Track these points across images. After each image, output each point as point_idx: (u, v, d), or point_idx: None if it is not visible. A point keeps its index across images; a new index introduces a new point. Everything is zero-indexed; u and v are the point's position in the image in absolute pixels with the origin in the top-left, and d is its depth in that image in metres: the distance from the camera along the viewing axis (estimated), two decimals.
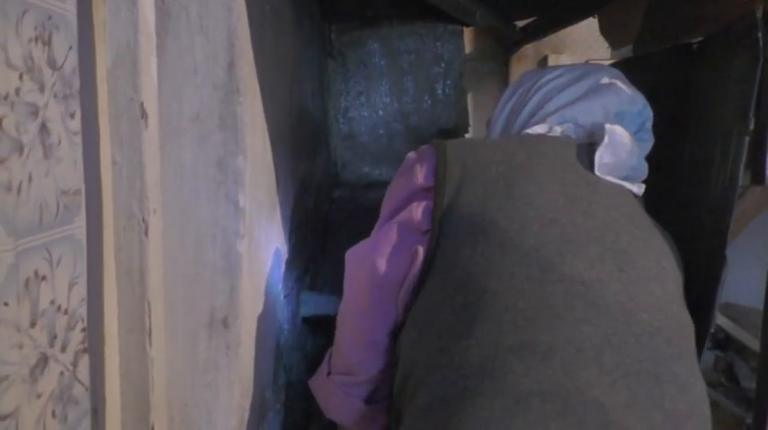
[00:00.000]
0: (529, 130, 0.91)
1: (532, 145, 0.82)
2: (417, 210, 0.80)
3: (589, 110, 0.91)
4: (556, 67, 1.03)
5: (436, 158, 0.81)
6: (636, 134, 0.89)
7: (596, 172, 0.81)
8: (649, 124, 0.94)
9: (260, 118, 0.90)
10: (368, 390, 0.89)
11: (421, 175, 0.82)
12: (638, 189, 0.85)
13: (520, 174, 0.77)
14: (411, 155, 0.87)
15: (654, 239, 0.78)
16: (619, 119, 0.91)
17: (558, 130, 0.89)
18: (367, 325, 0.86)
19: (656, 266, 0.75)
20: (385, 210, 0.88)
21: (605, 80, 0.95)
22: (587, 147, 0.85)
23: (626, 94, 0.93)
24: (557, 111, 0.92)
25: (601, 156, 0.82)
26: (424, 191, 0.81)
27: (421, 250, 0.79)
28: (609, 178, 0.81)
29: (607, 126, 0.84)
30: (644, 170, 0.88)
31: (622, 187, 0.82)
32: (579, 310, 0.68)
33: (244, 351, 0.85)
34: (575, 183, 0.78)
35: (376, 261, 0.83)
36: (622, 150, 0.84)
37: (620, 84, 0.95)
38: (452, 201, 0.77)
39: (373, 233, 0.87)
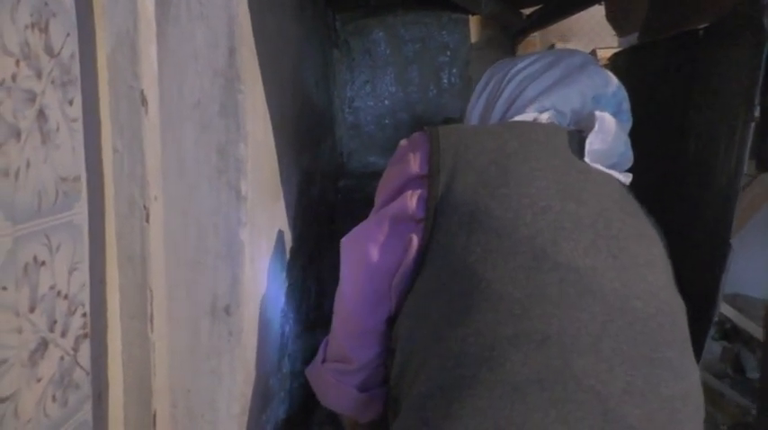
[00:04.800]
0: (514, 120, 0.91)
1: (524, 132, 0.81)
2: (412, 200, 0.80)
3: (566, 96, 0.90)
4: (527, 55, 1.02)
5: (429, 146, 0.80)
6: (615, 116, 0.88)
7: (586, 159, 0.80)
8: (626, 105, 0.94)
9: (262, 105, 0.90)
10: (361, 378, 0.89)
11: (414, 164, 0.81)
12: (625, 178, 0.83)
13: (513, 162, 0.76)
14: (403, 142, 0.87)
15: (644, 226, 0.78)
16: (595, 102, 0.91)
17: (544, 118, 0.89)
18: (360, 312, 0.86)
19: (648, 253, 0.74)
20: (379, 197, 0.88)
21: (578, 64, 0.95)
22: (576, 134, 0.84)
23: (600, 77, 0.93)
24: (534, 99, 0.91)
25: (591, 142, 0.81)
26: (418, 179, 0.81)
27: (415, 239, 0.78)
28: (597, 166, 0.81)
29: (597, 113, 0.84)
30: (630, 157, 0.87)
31: (610, 176, 0.81)
32: (575, 298, 0.68)
33: (247, 338, 0.85)
34: (566, 170, 0.77)
35: (368, 249, 0.83)
36: (611, 136, 0.83)
37: (592, 66, 0.95)
38: (446, 189, 0.76)
39: (367, 220, 0.87)
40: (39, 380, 0.53)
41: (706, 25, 1.00)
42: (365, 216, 0.89)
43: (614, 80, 0.94)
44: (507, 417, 0.62)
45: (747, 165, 0.80)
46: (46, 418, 0.54)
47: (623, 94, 0.94)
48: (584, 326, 0.66)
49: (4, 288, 0.48)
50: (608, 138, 0.83)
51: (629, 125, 0.94)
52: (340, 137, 1.68)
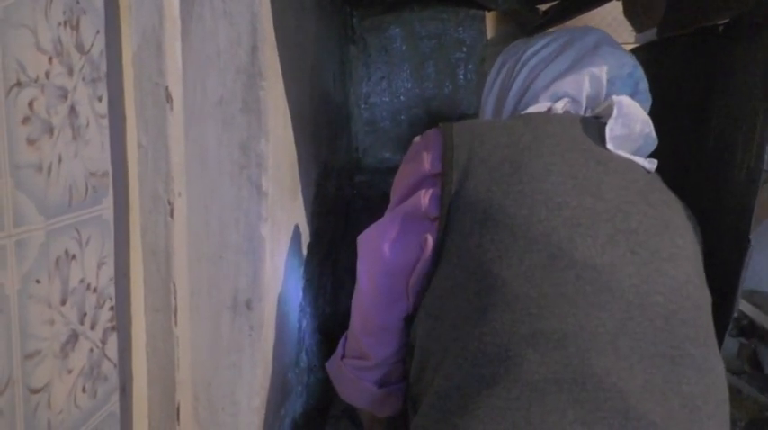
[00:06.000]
0: (528, 110, 0.89)
1: (539, 125, 0.79)
2: (425, 198, 0.79)
3: (579, 82, 0.88)
4: (540, 37, 0.98)
5: (443, 143, 0.79)
6: (633, 98, 0.86)
7: (608, 146, 0.78)
8: (643, 85, 0.91)
9: (282, 102, 0.90)
10: (379, 374, 0.89)
11: (428, 161, 0.80)
12: (650, 164, 0.80)
13: (527, 157, 0.74)
14: (417, 139, 0.86)
15: (668, 217, 0.75)
16: (610, 85, 0.89)
17: (559, 107, 0.87)
18: (376, 309, 0.85)
19: (671, 246, 0.72)
20: (394, 195, 0.87)
21: (590, 45, 0.92)
22: (594, 121, 0.82)
23: (614, 58, 0.90)
24: (547, 87, 0.89)
25: (611, 129, 0.79)
26: (432, 177, 0.80)
27: (430, 238, 0.77)
28: (620, 153, 0.78)
29: (614, 98, 0.82)
30: (654, 137, 0.84)
31: (633, 163, 0.79)
32: (592, 296, 0.66)
33: (267, 332, 0.86)
34: (583, 162, 0.75)
35: (383, 247, 0.82)
36: (634, 120, 0.81)
37: (606, 47, 0.92)
38: (460, 187, 0.75)
39: (382, 218, 0.86)
40: (70, 372, 0.54)
41: (725, 21, 1.00)
42: (380, 212, 0.89)
43: (630, 59, 0.91)
44: (525, 418, 0.62)
45: (767, 161, 0.80)
46: (77, 409, 0.55)
47: (640, 73, 0.91)
48: (603, 324, 0.65)
49: (38, 281, 0.49)
50: (629, 121, 0.81)
51: (648, 105, 0.91)
52: (356, 132, 1.68)
